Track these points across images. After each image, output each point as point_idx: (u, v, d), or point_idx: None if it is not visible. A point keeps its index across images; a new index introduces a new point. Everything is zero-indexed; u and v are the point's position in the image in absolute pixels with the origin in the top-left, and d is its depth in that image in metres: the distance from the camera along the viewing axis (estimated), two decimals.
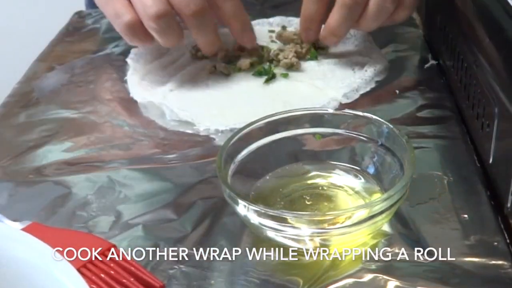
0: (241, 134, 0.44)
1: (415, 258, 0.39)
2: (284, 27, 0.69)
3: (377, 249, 0.40)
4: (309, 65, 0.62)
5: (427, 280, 0.37)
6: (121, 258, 0.38)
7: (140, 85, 0.61)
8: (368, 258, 0.39)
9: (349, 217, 0.38)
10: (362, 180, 0.44)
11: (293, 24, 0.70)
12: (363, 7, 0.58)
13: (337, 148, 0.46)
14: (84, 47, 0.71)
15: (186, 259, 0.40)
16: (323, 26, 0.62)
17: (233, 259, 0.40)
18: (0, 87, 0.68)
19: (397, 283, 0.37)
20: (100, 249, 0.39)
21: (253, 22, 0.66)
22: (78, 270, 0.33)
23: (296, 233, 0.38)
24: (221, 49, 0.63)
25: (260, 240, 0.40)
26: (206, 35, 0.59)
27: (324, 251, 0.39)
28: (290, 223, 0.38)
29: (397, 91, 0.58)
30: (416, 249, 0.40)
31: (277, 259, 0.40)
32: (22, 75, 0.66)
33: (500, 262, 0.38)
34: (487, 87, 0.45)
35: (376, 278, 0.38)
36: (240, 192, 0.40)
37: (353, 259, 0.39)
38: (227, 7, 0.59)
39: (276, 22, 0.71)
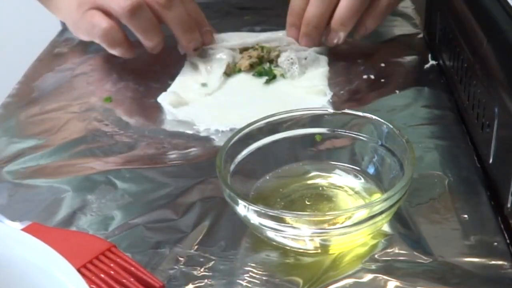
0: (241, 134, 0.44)
1: (415, 258, 0.39)
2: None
3: (377, 249, 0.40)
4: (309, 66, 0.62)
5: (427, 280, 0.37)
6: (121, 258, 0.38)
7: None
8: (368, 258, 0.39)
9: (349, 217, 0.38)
10: (362, 180, 0.44)
11: None
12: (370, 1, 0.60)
13: (337, 148, 0.46)
14: (84, 48, 0.71)
15: (186, 259, 0.40)
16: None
17: (233, 259, 0.40)
18: (0, 87, 0.68)
19: (397, 283, 0.37)
20: (100, 249, 0.39)
21: None
22: (78, 270, 0.33)
23: (296, 233, 0.38)
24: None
25: (260, 240, 0.40)
26: (184, 23, 0.61)
27: (324, 251, 0.39)
28: (290, 223, 0.38)
29: (397, 91, 0.58)
30: (416, 249, 0.40)
31: (277, 259, 0.40)
32: (22, 75, 0.66)
33: (500, 262, 0.38)
34: (487, 87, 0.45)
35: (376, 278, 0.38)
36: (240, 192, 0.40)
37: (353, 259, 0.39)
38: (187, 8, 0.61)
39: None
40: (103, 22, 0.59)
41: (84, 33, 0.63)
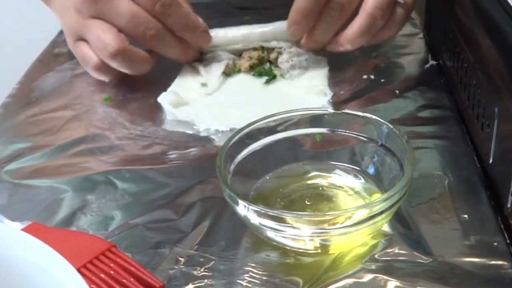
0: (241, 134, 0.44)
1: (415, 258, 0.39)
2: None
3: (377, 249, 0.40)
4: (309, 66, 0.62)
5: (427, 280, 0.37)
6: (121, 258, 0.38)
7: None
8: (368, 258, 0.39)
9: (349, 217, 0.38)
10: (362, 180, 0.44)
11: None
12: (348, 16, 0.58)
13: (337, 148, 0.46)
14: None
15: (186, 259, 0.40)
16: None
17: (233, 259, 0.40)
18: (0, 87, 0.68)
19: (397, 283, 0.37)
20: (100, 249, 0.39)
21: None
22: (78, 270, 0.33)
23: (296, 233, 0.38)
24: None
25: (260, 240, 0.40)
26: (176, 49, 0.59)
27: (324, 251, 0.39)
28: (290, 223, 0.38)
29: (397, 91, 0.58)
30: (416, 249, 0.40)
31: (277, 259, 0.40)
32: (22, 75, 0.66)
33: (500, 262, 0.38)
34: (487, 87, 0.45)
35: (376, 278, 0.38)
36: (240, 192, 0.40)
37: (353, 259, 0.39)
38: (172, 21, 0.58)
39: None
40: (93, 58, 0.58)
41: (79, 60, 0.62)
